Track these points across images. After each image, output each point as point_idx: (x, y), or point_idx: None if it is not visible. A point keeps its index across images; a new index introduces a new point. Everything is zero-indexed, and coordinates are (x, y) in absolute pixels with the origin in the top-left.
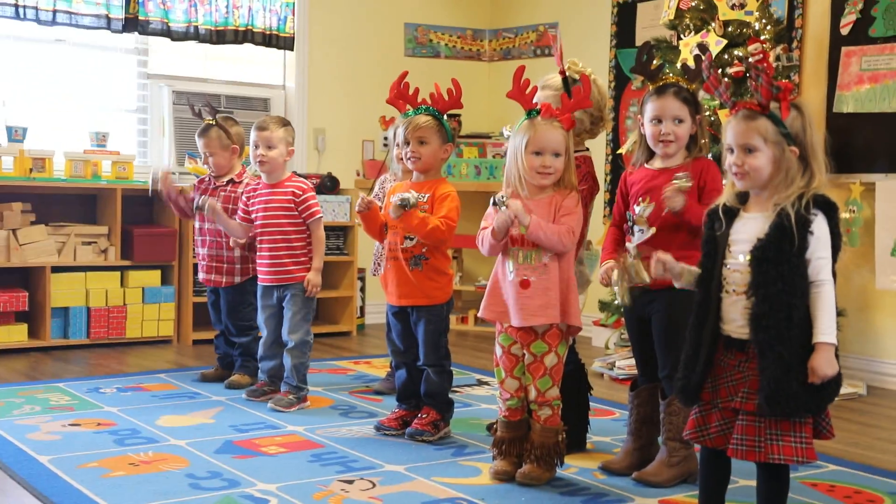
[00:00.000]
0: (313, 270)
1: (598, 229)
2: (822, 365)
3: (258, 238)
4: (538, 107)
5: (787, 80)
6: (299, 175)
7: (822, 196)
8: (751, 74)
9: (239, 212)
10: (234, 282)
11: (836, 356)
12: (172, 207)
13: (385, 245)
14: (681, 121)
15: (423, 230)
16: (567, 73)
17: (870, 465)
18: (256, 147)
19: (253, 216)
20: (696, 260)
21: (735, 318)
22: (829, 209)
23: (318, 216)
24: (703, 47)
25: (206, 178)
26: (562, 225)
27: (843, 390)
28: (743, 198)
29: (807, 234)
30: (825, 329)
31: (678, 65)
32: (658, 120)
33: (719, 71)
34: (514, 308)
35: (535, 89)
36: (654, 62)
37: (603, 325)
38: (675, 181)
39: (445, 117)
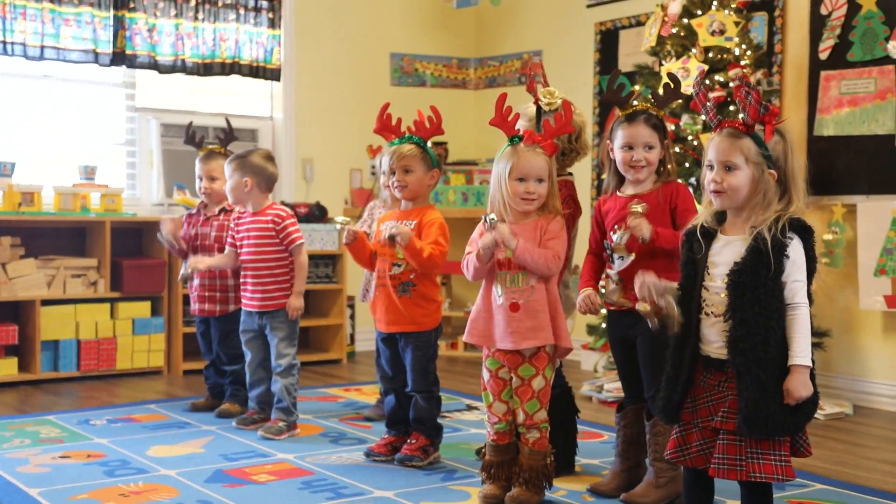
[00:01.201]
0: (294, 294)
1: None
2: (797, 387)
3: (242, 265)
4: (521, 133)
5: (773, 105)
6: (284, 204)
7: (798, 220)
8: (741, 92)
9: (228, 238)
10: (228, 310)
11: (813, 377)
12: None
13: (374, 273)
14: (651, 147)
15: (421, 258)
16: (541, 103)
17: (856, 484)
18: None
19: (238, 241)
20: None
21: (714, 339)
22: (805, 233)
23: (298, 242)
24: (671, 75)
25: (197, 210)
26: (548, 250)
27: (829, 410)
28: (721, 217)
29: (782, 258)
30: (800, 352)
31: (661, 91)
32: (629, 146)
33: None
34: (504, 332)
35: (517, 116)
36: (637, 88)
37: (591, 349)
38: (631, 209)
39: (430, 144)
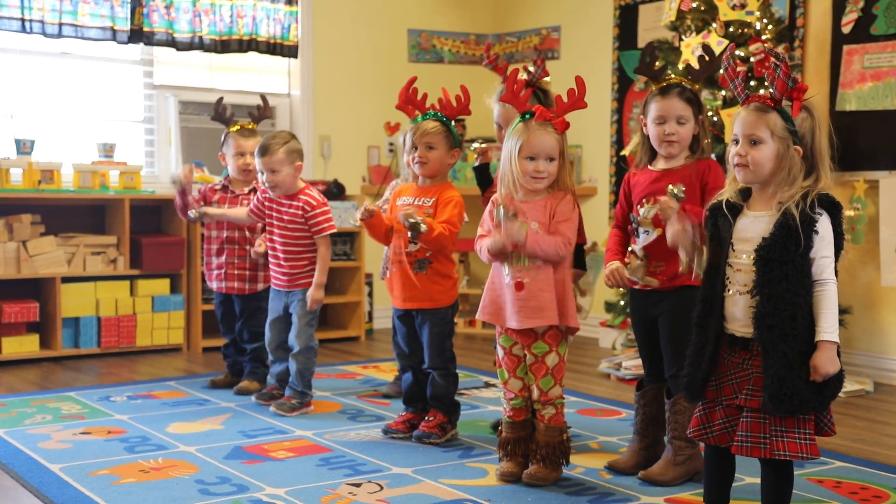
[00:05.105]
0: (315, 286)
1: (605, 230)
2: (825, 363)
3: (271, 244)
4: (532, 109)
5: (801, 82)
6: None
7: (827, 195)
8: (768, 65)
9: (253, 203)
10: (257, 289)
11: (838, 354)
12: (178, 199)
13: (390, 249)
14: (684, 121)
15: (429, 238)
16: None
17: (876, 462)
18: (262, 173)
19: (267, 220)
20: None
21: (739, 316)
22: (834, 209)
23: (325, 233)
24: (706, 48)
25: (223, 187)
26: (558, 236)
27: (850, 387)
28: (745, 194)
29: (812, 234)
30: (828, 327)
31: (680, 66)
32: (662, 120)
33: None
34: (511, 310)
35: (529, 92)
36: (658, 63)
37: (610, 326)
38: (670, 191)
39: (453, 123)
